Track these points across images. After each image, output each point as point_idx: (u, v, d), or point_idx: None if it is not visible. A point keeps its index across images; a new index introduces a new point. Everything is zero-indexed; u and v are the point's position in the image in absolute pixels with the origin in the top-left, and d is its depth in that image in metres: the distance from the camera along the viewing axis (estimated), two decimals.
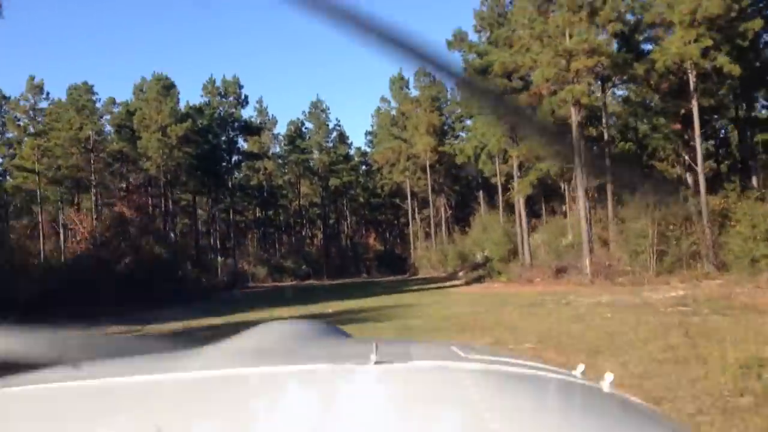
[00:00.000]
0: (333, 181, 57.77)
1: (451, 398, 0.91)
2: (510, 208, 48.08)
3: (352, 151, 62.01)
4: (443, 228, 52.58)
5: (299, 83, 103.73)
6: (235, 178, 53.78)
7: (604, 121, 31.15)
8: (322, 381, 1.00)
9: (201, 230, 61.04)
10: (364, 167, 64.44)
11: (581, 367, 1.19)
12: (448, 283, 35.40)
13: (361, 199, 65.01)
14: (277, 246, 67.71)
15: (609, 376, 1.04)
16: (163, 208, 44.44)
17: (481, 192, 53.27)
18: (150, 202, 48.23)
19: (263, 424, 0.80)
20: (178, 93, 43.94)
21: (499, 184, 45.64)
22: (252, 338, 1.58)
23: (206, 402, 0.95)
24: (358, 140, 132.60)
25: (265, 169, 58.35)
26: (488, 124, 31.75)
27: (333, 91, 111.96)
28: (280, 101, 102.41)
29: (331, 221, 66.96)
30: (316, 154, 57.61)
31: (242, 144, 52.60)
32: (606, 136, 31.41)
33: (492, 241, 39.40)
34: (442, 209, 54.03)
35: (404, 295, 26.84)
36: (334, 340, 1.70)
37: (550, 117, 28.71)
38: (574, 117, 27.20)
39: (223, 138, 47.87)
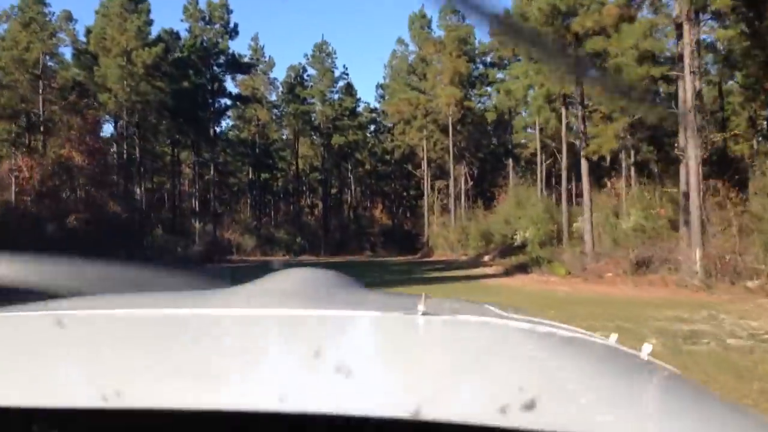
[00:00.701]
0: (336, 140, 49.21)
1: (497, 353, 0.92)
2: (549, 181, 39.86)
3: (360, 108, 53.35)
4: (462, 202, 44.25)
5: (301, 24, 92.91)
6: (222, 128, 45.24)
7: None
8: (370, 327, 0.99)
9: (187, 190, 52.98)
10: (372, 127, 55.88)
11: (615, 336, 1.18)
12: (477, 271, 27.18)
13: (368, 166, 56.57)
14: (272, 215, 59.65)
15: (647, 346, 1.05)
16: (125, 156, 36.01)
17: (510, 160, 44.80)
18: (115, 149, 39.94)
19: (306, 366, 0.76)
20: (149, 9, 35.30)
21: (538, 147, 37.26)
22: (287, 281, 1.59)
23: (246, 338, 0.93)
24: (367, 96, 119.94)
25: (258, 120, 49.83)
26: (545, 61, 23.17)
27: (340, 35, 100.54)
28: (278, 44, 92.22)
29: (334, 190, 58.76)
30: (318, 106, 48.95)
31: (231, 87, 44.05)
32: None
33: (530, 219, 31.11)
34: (463, 180, 45.59)
35: (424, 287, 18.50)
36: (375, 292, 1.75)
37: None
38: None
39: (207, 75, 39.18)
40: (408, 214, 55.00)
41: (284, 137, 53.62)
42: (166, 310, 1.07)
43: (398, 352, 0.89)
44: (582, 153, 24.15)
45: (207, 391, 0.65)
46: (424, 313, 0.97)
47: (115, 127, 36.44)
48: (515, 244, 30.90)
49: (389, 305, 1.23)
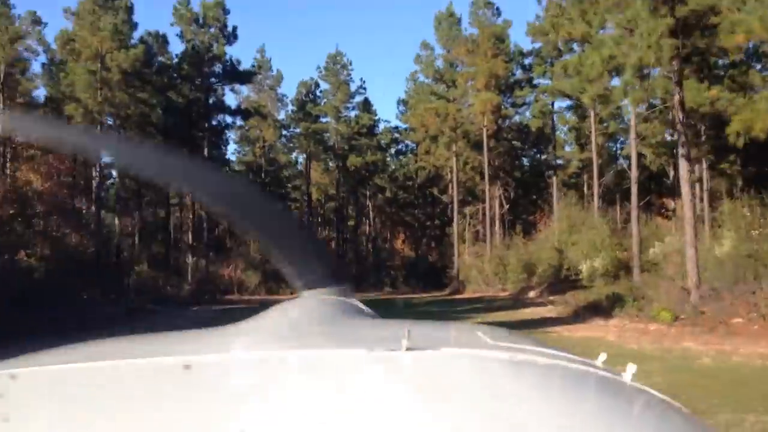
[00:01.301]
0: (353, 161, 43.14)
1: (481, 388, 0.92)
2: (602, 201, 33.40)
3: (379, 128, 47.40)
4: (497, 228, 37.76)
5: (312, 35, 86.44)
6: (222, 150, 39.52)
7: None
8: (352, 365, 0.98)
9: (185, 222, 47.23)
10: (393, 149, 49.86)
11: (603, 356, 1.16)
12: (527, 312, 20.63)
13: (388, 192, 50.42)
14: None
15: (631, 368, 1.04)
16: (98, 178, 30.31)
17: (554, 178, 38.33)
18: (94, 173, 34.31)
19: (287, 409, 0.78)
20: (129, 6, 29.98)
21: (594, 153, 31.03)
22: (275, 318, 1.57)
23: (232, 385, 0.91)
24: (386, 114, 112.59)
25: (265, 141, 44.15)
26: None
27: (357, 46, 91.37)
28: (287, 58, 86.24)
29: (350, 222, 52.70)
30: (332, 124, 43.16)
31: (231, 101, 38.51)
32: None
33: (591, 245, 24.61)
34: (497, 203, 39.16)
35: None
36: (363, 320, 1.66)
37: None
38: None
39: (200, 84, 33.55)
40: (433, 245, 48.51)
41: (295, 160, 47.83)
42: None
43: (380, 389, 0.89)
44: (681, 152, 17.61)
45: None
46: (408, 349, 0.96)
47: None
48: (576, 276, 24.38)
49: (373, 339, 1.22)
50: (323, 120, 44.00)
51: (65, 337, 1.55)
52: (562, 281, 26.82)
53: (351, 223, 53.65)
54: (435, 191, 46.71)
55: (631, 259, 23.60)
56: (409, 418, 0.76)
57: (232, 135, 43.51)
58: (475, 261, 34.97)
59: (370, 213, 49.80)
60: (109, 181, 37.01)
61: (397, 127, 47.62)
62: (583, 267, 22.11)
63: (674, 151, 34.91)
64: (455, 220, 38.38)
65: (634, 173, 26.06)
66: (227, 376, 0.90)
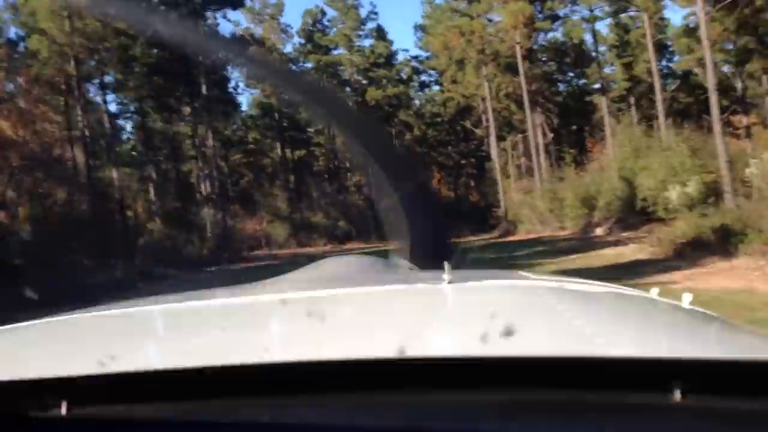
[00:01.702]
0: (372, 94, 38.75)
1: (530, 307, 0.94)
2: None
3: (398, 58, 42.61)
4: (542, 161, 33.45)
5: None
6: (222, 87, 35.36)
7: None
8: (397, 299, 1.06)
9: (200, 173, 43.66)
10: (416, 81, 45.16)
11: (656, 290, 1.17)
12: (610, 254, 16.60)
13: (416, 131, 45.97)
14: (311, 198, 50.10)
15: (687, 296, 1.04)
16: (80, 121, 26.43)
17: (604, 99, 33.67)
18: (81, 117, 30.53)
19: (340, 341, 0.85)
20: None
21: (652, 61, 26.49)
22: (322, 269, 1.74)
23: (283, 321, 1.01)
24: (403, 42, 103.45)
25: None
26: None
27: None
28: None
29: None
30: (346, 55, 38.61)
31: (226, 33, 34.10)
32: None
33: (669, 169, 20.38)
34: (540, 132, 34.70)
35: None
36: (404, 269, 1.75)
37: None
38: None
39: (184, 9, 29.12)
40: (472, 183, 44.33)
41: None
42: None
43: (426, 318, 0.94)
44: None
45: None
46: (450, 282, 1.01)
47: (78, 88, 26.62)
48: (651, 208, 20.27)
49: (415, 278, 1.33)
50: (335, 52, 39.43)
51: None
52: (633, 214, 22.76)
53: None
54: (467, 125, 42.21)
55: (720, 182, 19.43)
56: (451, 336, 0.80)
57: (236, 74, 39.28)
58: (524, 198, 30.83)
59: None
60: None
61: (417, 57, 42.87)
62: (672, 194, 17.92)
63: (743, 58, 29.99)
64: (494, 154, 34.17)
65: (711, 80, 21.64)
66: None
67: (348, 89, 40.44)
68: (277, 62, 31.83)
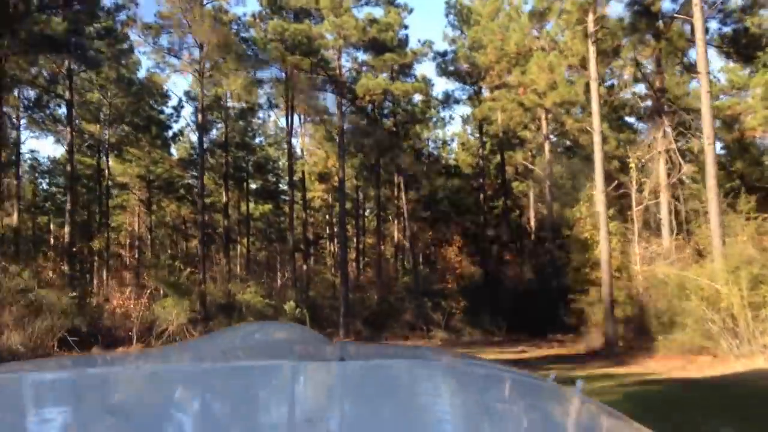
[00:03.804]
0: (370, 85, 22.52)
1: (418, 391, 0.96)
2: None
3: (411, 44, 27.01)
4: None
5: None
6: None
7: None
8: (288, 376, 1.05)
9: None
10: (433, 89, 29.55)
11: (553, 375, 1.17)
12: None
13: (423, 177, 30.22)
14: (246, 265, 33.85)
15: (579, 383, 1.06)
16: None
17: None
18: None
19: (238, 417, 0.86)
20: None
21: None
22: (225, 338, 1.74)
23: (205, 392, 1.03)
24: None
25: (208, 64, 24.14)
26: None
27: None
28: None
29: (367, 212, 32.63)
30: (328, 24, 22.79)
31: None
32: None
33: None
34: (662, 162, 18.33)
35: None
36: (309, 341, 1.76)
37: None
38: None
39: None
40: (517, 250, 27.72)
41: (268, 103, 27.96)
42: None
43: (314, 396, 0.96)
44: None
45: None
46: (341, 359, 1.05)
47: None
48: None
49: (310, 354, 1.33)
50: (314, 22, 23.78)
51: None
52: None
53: (369, 220, 33.43)
54: (513, 159, 26.13)
55: None
56: (343, 423, 0.80)
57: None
58: (672, 275, 14.00)
59: (404, 202, 29.12)
60: None
61: (443, 54, 27.27)
62: None
63: None
64: (600, 187, 17.50)
65: None
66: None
67: (328, 85, 24.53)
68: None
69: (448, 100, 27.59)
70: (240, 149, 35.31)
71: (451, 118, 36.18)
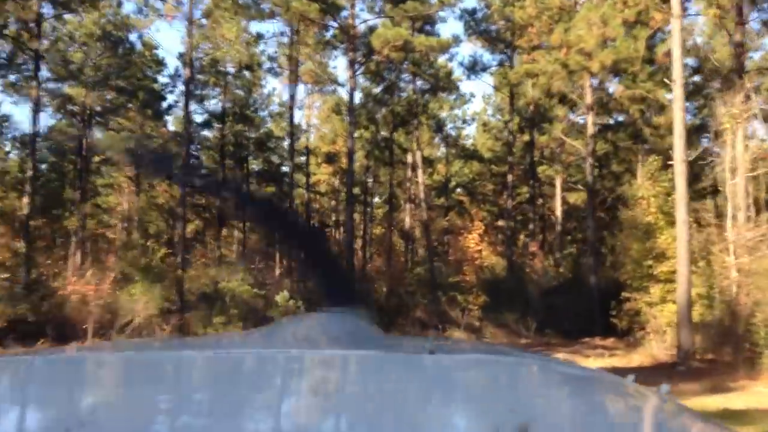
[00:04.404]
0: (385, 33, 19.11)
1: (495, 386, 0.98)
2: None
3: None
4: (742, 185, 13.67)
5: None
6: None
7: None
8: (382, 367, 1.05)
9: None
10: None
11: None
12: None
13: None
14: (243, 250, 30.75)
15: (665, 386, 1.04)
16: None
17: None
18: None
19: (325, 403, 0.88)
20: None
21: None
22: (302, 327, 1.69)
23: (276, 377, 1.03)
24: None
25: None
26: None
27: None
28: None
29: (376, 199, 29.64)
30: None
31: None
32: None
33: None
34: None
35: None
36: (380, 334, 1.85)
37: None
38: None
39: None
40: (543, 236, 24.35)
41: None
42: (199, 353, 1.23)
43: (404, 388, 0.96)
44: None
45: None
46: (431, 352, 1.04)
47: None
48: None
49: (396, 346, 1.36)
50: None
51: None
52: None
53: (377, 207, 30.28)
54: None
55: None
56: (419, 414, 0.82)
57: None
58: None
59: (420, 182, 25.79)
60: None
61: (474, 12, 23.82)
62: None
63: None
64: (679, 139, 14.08)
65: None
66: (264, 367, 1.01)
67: (338, 33, 21.20)
68: None
69: (474, 66, 24.21)
70: (240, 122, 32.12)
71: (472, 96, 32.73)
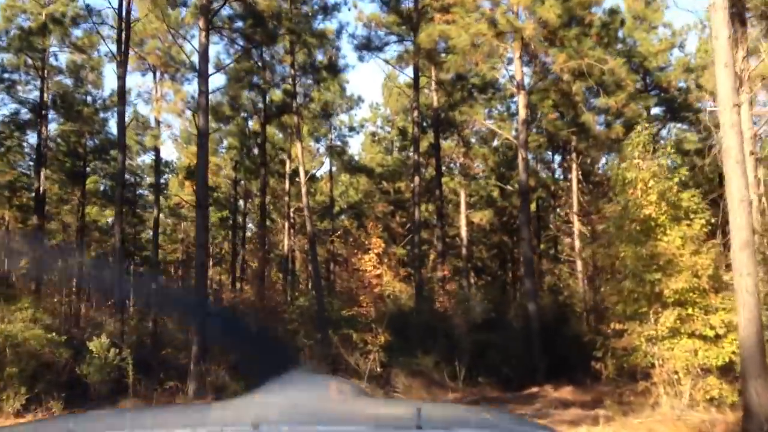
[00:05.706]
0: None
1: None
2: None
3: None
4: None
5: None
6: None
7: None
8: None
9: None
10: None
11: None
12: None
13: None
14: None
15: None
16: None
17: None
18: None
19: None
20: None
21: None
22: (290, 393, 1.64)
23: None
24: None
25: None
26: None
27: None
28: None
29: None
30: None
31: None
32: None
33: None
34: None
35: None
36: (372, 400, 1.64)
37: None
38: None
39: None
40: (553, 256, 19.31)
41: None
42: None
43: None
44: None
45: None
46: (418, 427, 0.97)
47: None
48: None
49: (385, 418, 1.26)
50: None
51: None
52: None
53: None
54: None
55: None
56: None
57: None
58: None
59: (303, 195, 19.90)
60: None
61: None
62: None
63: None
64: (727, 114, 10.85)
65: None
66: None
67: None
68: None
69: (369, 45, 19.10)
70: (69, 120, 24.78)
71: (360, 100, 27.81)
